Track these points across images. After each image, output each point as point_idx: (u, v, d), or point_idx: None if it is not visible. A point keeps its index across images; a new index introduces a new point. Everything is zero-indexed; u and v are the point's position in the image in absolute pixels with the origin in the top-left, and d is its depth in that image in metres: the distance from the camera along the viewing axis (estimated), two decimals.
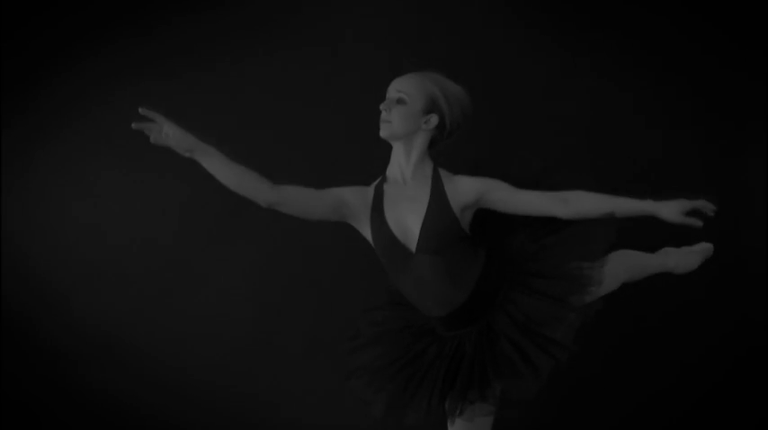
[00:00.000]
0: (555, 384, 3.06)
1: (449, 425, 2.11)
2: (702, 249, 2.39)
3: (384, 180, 2.07)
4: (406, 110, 1.96)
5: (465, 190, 1.96)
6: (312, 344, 3.19)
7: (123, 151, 3.21)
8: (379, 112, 2.00)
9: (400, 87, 1.98)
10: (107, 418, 3.20)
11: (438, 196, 1.96)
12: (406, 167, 2.01)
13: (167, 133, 1.87)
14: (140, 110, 1.85)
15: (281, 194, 1.98)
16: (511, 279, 1.96)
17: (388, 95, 2.00)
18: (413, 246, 1.96)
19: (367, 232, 2.06)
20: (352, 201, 2.03)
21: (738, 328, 3.12)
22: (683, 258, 2.35)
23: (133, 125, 1.86)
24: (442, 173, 2.02)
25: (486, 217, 2.05)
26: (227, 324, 3.22)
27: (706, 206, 1.78)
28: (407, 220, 1.97)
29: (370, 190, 2.07)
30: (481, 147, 2.55)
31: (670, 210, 1.77)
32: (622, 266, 2.17)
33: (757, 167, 3.10)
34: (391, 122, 1.97)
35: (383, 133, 1.99)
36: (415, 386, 2.02)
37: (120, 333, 3.23)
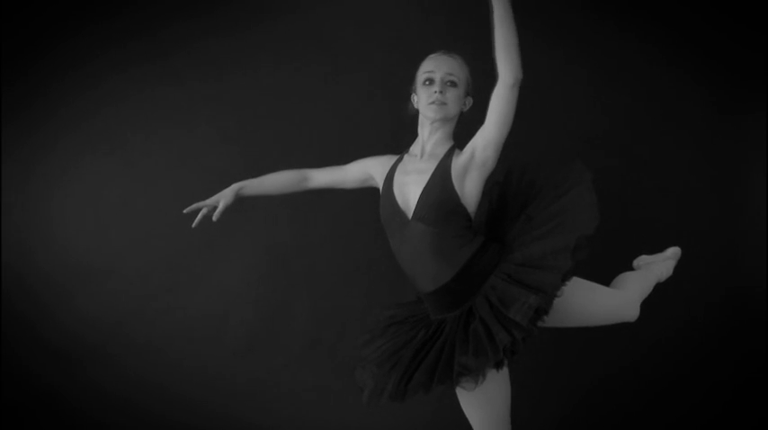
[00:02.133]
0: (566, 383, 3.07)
1: (464, 408, 2.14)
2: (674, 253, 2.48)
3: (407, 152, 2.16)
4: (457, 92, 2.05)
5: (463, 156, 2.02)
6: (312, 344, 3.19)
7: (123, 151, 3.21)
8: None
9: (450, 70, 2.04)
10: (108, 417, 3.20)
11: (442, 168, 2.01)
12: (427, 143, 2.08)
13: (214, 204, 2.20)
14: (185, 211, 2.19)
15: (312, 184, 2.30)
16: (499, 268, 1.99)
17: (432, 77, 2.04)
18: (410, 213, 2.02)
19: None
20: (374, 171, 2.20)
21: (738, 328, 3.12)
22: (664, 267, 2.43)
23: (185, 211, 2.20)
24: (457, 152, 2.07)
25: (494, 209, 2.14)
26: (227, 323, 3.22)
27: None
28: (410, 190, 2.04)
29: (393, 159, 2.18)
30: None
31: None
32: (634, 287, 2.26)
33: (757, 167, 3.10)
34: (447, 104, 2.03)
35: (438, 114, 2.03)
36: (394, 369, 2.05)
37: (120, 332, 3.22)
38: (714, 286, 3.11)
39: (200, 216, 2.18)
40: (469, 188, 2.00)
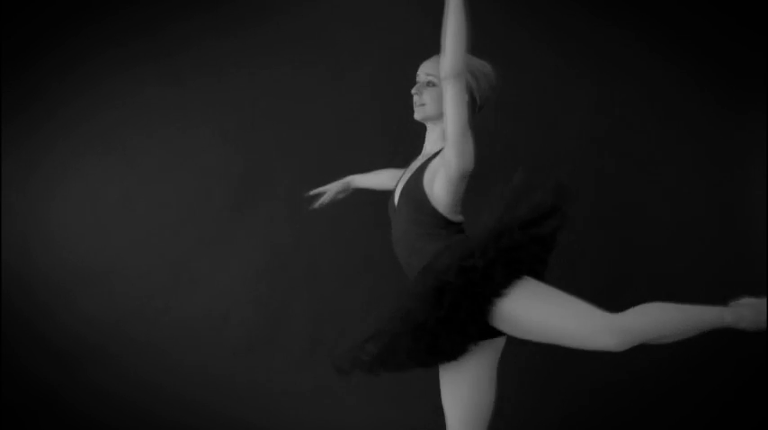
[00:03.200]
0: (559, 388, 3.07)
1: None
2: None
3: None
4: (437, 91, 2.05)
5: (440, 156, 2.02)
6: (312, 344, 3.19)
7: (123, 152, 3.21)
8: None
9: (429, 70, 2.06)
10: (108, 417, 3.20)
11: (421, 167, 2.02)
12: (426, 143, 2.11)
13: (333, 190, 2.38)
14: (311, 193, 2.39)
15: (391, 181, 2.33)
16: None
17: (417, 79, 2.08)
18: (396, 202, 2.07)
19: None
20: None
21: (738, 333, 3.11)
22: (748, 311, 2.00)
23: (311, 193, 2.39)
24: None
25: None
26: (227, 324, 3.22)
27: None
28: (399, 186, 2.09)
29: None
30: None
31: None
32: (637, 318, 1.95)
33: (758, 166, 3.10)
34: (425, 105, 2.05)
35: (418, 116, 2.07)
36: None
37: (120, 332, 3.23)
38: (713, 286, 3.10)
39: (324, 198, 2.38)
40: (437, 187, 1.97)
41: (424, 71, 2.06)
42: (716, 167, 3.12)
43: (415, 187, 2.00)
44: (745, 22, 3.05)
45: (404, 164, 2.17)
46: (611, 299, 3.15)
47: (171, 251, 3.19)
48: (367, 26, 3.13)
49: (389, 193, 2.18)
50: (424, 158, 2.06)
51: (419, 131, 2.14)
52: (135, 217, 3.21)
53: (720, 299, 3.09)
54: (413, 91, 2.05)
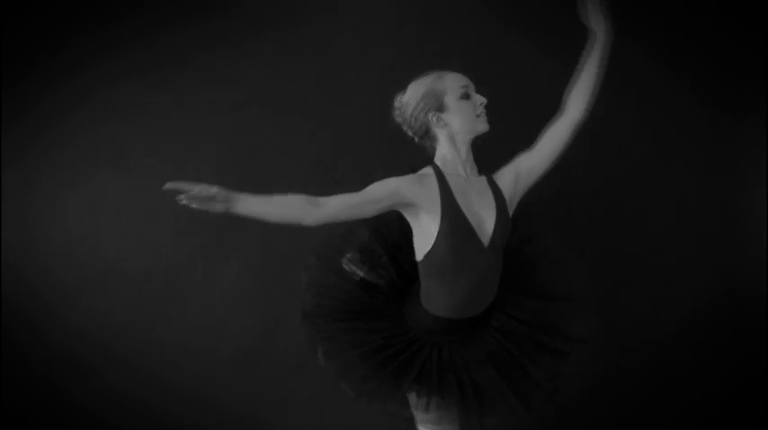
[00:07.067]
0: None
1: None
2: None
3: (439, 171, 1.98)
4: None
5: (506, 178, 2.05)
6: (308, 352, 3.18)
7: (122, 156, 3.21)
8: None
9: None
10: (112, 417, 3.21)
11: (500, 194, 2.01)
12: (466, 162, 2.02)
13: (198, 192, 1.87)
14: (167, 186, 1.83)
15: (327, 212, 1.90)
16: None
17: (472, 92, 2.02)
18: (486, 240, 1.94)
19: (427, 222, 1.92)
20: (410, 192, 1.90)
21: (737, 332, 3.12)
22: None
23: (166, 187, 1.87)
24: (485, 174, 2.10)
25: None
26: (226, 330, 3.21)
27: None
28: (483, 215, 1.96)
29: (431, 179, 1.95)
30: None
31: None
32: None
33: (757, 170, 3.10)
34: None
35: (487, 127, 2.04)
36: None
37: (118, 339, 3.22)
38: (714, 288, 3.10)
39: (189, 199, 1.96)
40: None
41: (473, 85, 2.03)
42: (715, 169, 3.12)
43: (507, 217, 2.00)
44: (745, 24, 3.05)
45: (407, 172, 2.08)
46: (610, 298, 3.18)
47: (169, 258, 3.19)
48: (365, 33, 3.14)
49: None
50: (479, 181, 2.02)
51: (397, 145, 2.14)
52: (133, 223, 3.21)
53: (718, 301, 3.11)
54: (484, 104, 2.01)
